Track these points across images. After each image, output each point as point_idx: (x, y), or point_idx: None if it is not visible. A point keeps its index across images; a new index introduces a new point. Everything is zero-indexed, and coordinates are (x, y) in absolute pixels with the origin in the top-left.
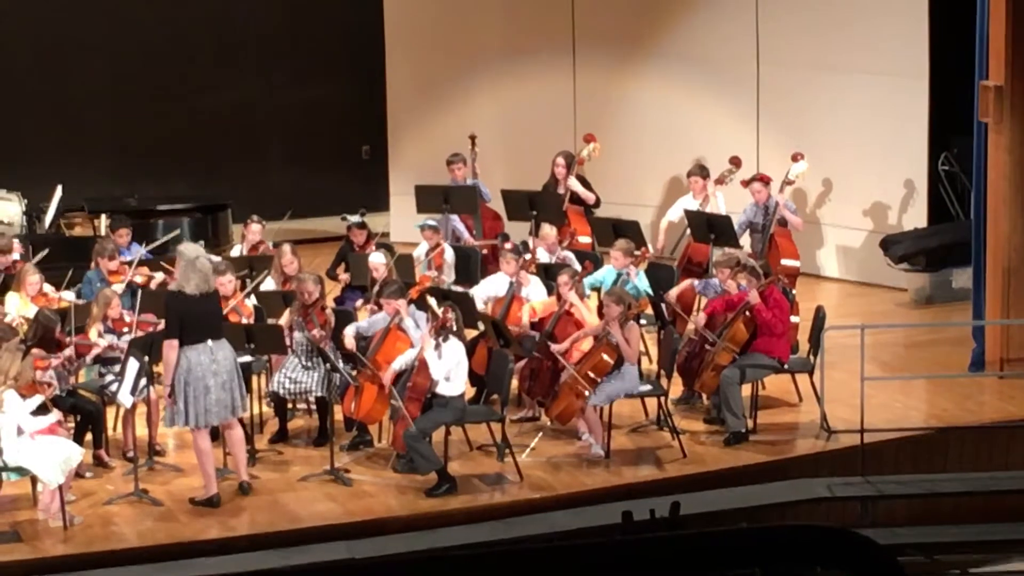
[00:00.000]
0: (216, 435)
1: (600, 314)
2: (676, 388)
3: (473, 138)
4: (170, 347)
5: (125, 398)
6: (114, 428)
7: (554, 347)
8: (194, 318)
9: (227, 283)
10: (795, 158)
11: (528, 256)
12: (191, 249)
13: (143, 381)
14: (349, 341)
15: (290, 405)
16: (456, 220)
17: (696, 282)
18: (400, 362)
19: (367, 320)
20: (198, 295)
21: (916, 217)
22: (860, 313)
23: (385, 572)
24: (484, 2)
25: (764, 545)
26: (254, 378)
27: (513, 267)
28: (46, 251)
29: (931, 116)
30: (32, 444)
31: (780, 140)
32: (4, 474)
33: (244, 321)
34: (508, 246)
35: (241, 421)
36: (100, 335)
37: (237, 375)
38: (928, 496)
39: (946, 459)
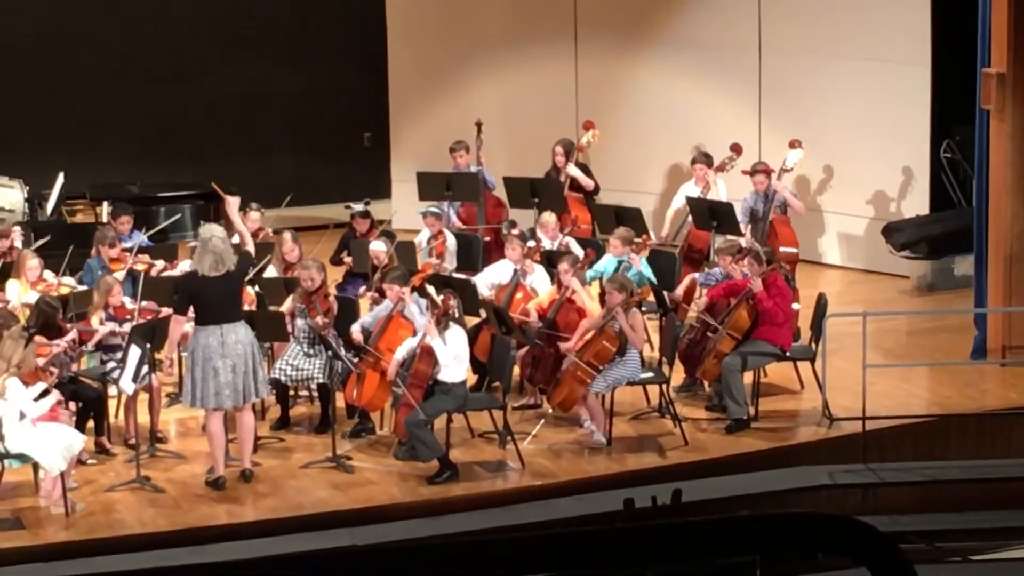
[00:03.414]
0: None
1: (602, 302)
2: (678, 375)
3: (479, 124)
4: (175, 321)
5: (127, 385)
6: (116, 415)
7: (563, 346)
8: (205, 299)
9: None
10: (792, 145)
11: (533, 244)
12: (207, 229)
13: (145, 368)
14: (357, 336)
15: (292, 392)
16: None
17: (698, 275)
18: (403, 351)
19: (370, 315)
20: (212, 276)
21: (918, 204)
22: (862, 300)
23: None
24: None
25: (765, 532)
26: None
27: (518, 253)
28: (47, 238)
29: (933, 103)
30: (34, 431)
31: (781, 127)
32: (6, 461)
33: (246, 308)
34: (515, 232)
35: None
36: (102, 323)
37: (253, 361)
38: (929, 483)
39: (947, 447)
